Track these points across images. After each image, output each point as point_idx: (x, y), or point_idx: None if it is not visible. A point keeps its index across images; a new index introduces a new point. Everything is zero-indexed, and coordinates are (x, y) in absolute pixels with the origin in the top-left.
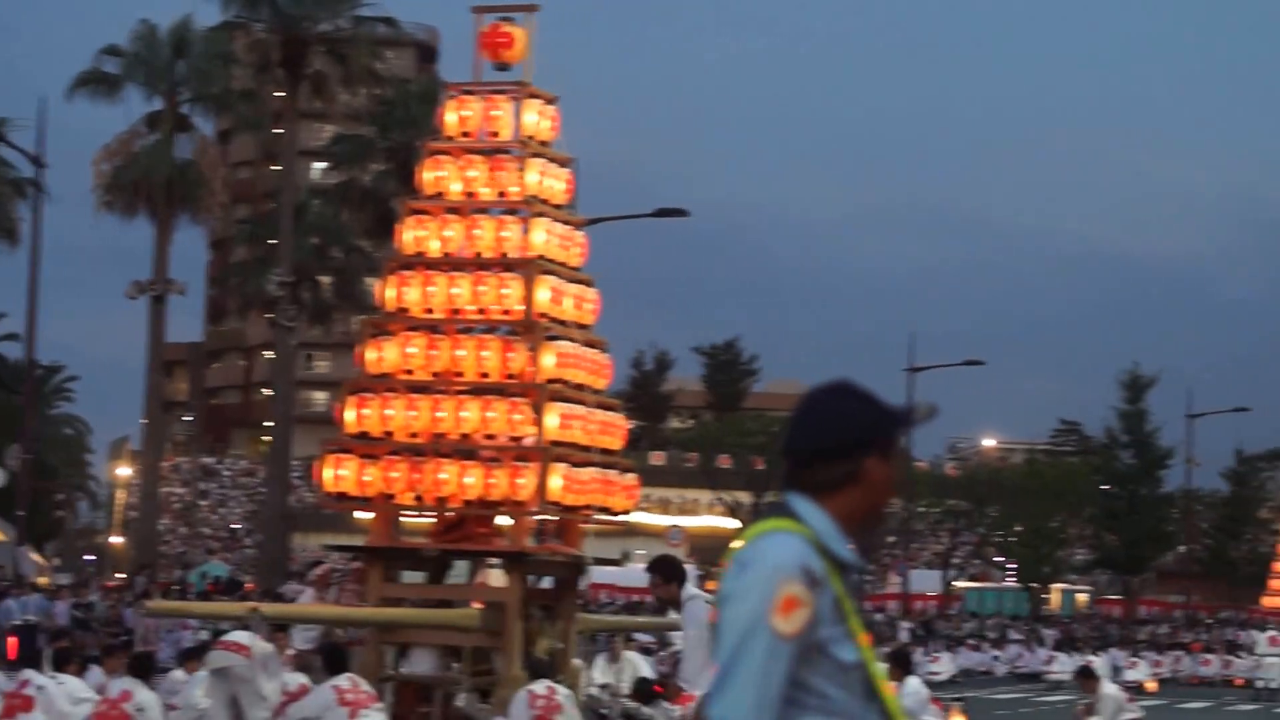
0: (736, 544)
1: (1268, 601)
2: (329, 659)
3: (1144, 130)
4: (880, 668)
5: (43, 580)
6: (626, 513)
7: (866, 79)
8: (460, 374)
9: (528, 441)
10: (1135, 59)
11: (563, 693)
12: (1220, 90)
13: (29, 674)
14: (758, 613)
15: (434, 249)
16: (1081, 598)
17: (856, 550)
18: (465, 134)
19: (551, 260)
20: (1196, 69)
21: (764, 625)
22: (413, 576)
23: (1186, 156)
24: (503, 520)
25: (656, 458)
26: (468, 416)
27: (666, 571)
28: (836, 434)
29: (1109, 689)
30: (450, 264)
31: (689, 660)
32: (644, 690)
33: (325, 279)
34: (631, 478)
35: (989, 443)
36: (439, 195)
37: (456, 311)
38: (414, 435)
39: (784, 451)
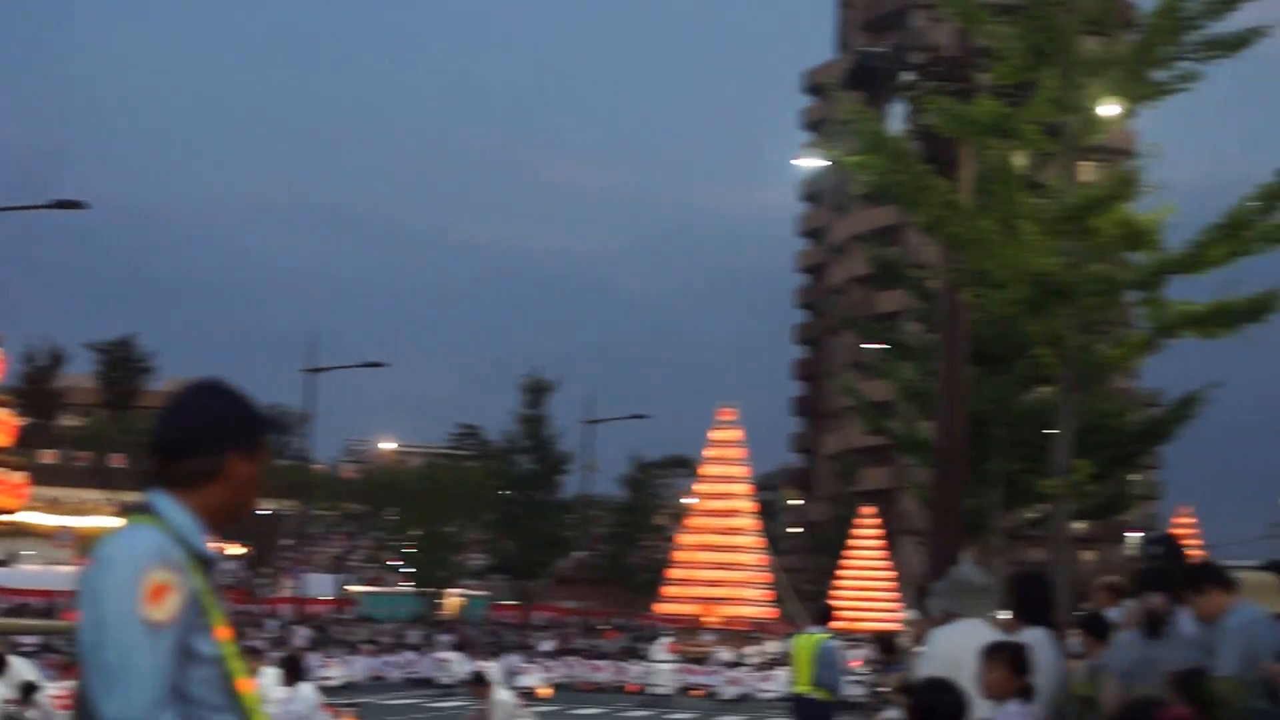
0: (96, 542)
1: (661, 608)
2: None
3: (536, 131)
4: (241, 664)
5: None
6: (14, 512)
7: (267, 78)
8: None
9: None
10: (523, 61)
11: None
12: (607, 91)
13: None
14: (129, 606)
15: None
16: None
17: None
18: None
19: None
20: (597, 71)
21: (138, 617)
22: None
23: (578, 157)
24: None
25: (47, 456)
26: None
27: None
28: (199, 429)
29: (502, 695)
30: None
31: None
32: (27, 693)
33: None
34: (20, 476)
35: (387, 445)
36: None
37: None
38: None
39: (149, 448)
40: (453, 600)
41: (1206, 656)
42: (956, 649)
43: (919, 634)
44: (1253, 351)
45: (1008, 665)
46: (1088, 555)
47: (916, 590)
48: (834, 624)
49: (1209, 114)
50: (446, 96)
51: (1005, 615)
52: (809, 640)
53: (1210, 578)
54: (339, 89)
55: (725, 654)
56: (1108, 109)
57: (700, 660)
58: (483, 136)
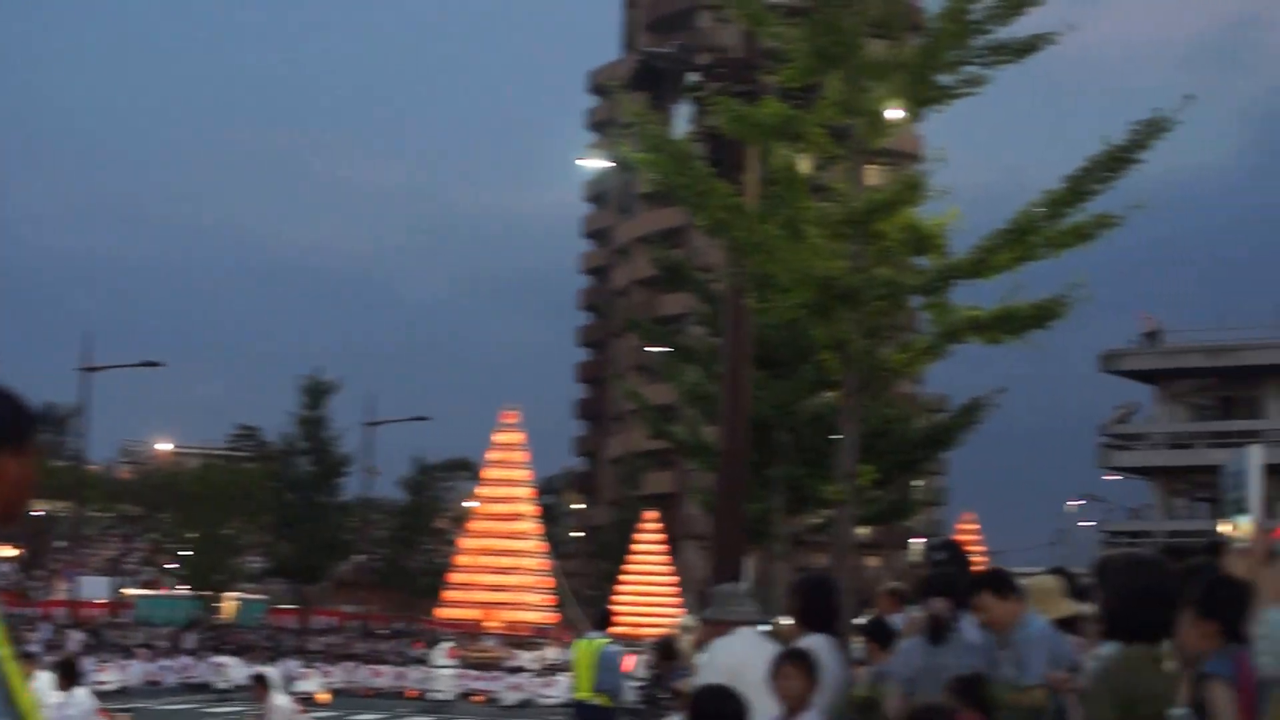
0: None
1: (442, 613)
2: None
3: (318, 129)
4: (18, 668)
5: None
6: None
7: (44, 68)
8: None
9: None
10: (303, 54)
11: None
12: (399, 88)
13: None
14: None
15: None
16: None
17: None
18: None
19: None
20: (382, 69)
21: None
22: None
23: (364, 156)
24: None
25: None
26: None
27: None
28: None
29: (280, 700)
30: None
31: None
32: None
33: None
34: None
35: (164, 446)
36: None
37: None
38: None
39: None
40: (230, 604)
41: (989, 663)
42: (737, 658)
43: (701, 641)
44: (1037, 358)
45: (806, 673)
46: (871, 561)
47: (699, 596)
48: (615, 629)
49: (1004, 122)
50: (224, 89)
51: (788, 621)
52: (590, 645)
53: (1002, 587)
54: (117, 80)
55: (515, 659)
56: (893, 113)
57: (481, 665)
58: (261, 131)
